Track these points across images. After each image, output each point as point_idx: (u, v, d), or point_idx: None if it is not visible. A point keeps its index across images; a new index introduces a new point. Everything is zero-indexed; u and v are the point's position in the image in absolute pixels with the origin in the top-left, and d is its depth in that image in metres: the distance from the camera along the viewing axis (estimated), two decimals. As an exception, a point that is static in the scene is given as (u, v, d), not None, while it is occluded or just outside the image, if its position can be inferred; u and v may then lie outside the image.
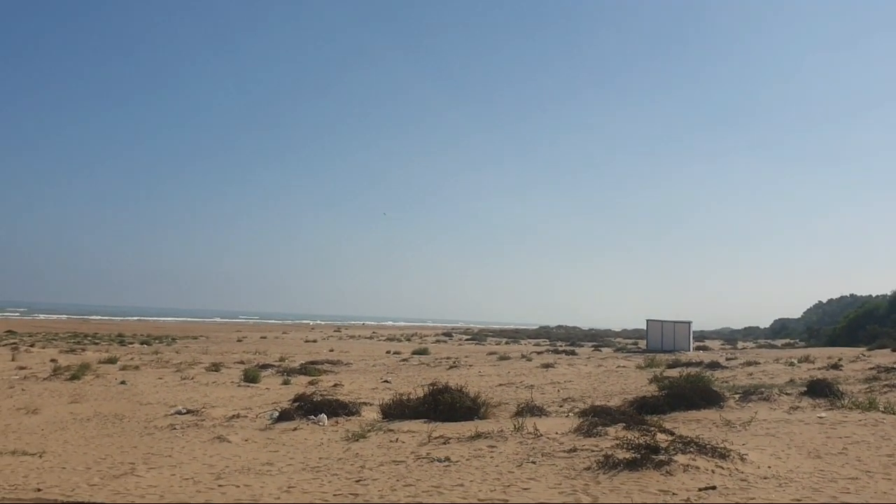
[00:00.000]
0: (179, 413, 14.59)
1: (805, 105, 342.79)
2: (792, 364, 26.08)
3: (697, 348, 50.84)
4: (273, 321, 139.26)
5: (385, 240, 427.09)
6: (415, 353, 43.64)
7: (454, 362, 31.66)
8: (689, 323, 51.06)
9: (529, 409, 12.61)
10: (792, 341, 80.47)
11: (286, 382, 21.69)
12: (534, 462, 8.49)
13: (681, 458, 7.83)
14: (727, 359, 31.82)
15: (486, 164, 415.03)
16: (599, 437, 9.66)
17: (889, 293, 68.03)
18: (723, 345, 68.34)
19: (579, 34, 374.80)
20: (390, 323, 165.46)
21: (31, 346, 40.36)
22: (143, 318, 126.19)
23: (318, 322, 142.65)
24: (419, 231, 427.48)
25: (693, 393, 12.97)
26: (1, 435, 12.36)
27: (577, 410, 13.24)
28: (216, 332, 74.93)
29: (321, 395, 17.13)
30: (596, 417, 10.69)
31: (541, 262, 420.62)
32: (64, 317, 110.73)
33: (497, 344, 66.66)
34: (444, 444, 10.11)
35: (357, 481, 8.21)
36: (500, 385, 20.41)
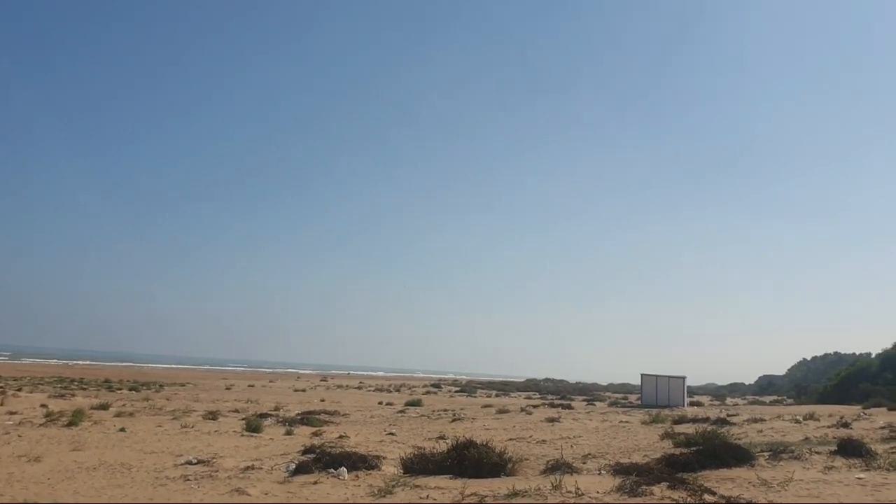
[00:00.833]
0: (190, 463, 14.07)
1: (792, 157, 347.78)
2: (798, 421, 25.75)
3: (690, 404, 50.43)
4: (257, 369, 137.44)
5: (372, 292, 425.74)
6: (408, 404, 42.93)
7: (455, 415, 31.07)
8: (683, 378, 50.73)
9: (559, 467, 12.20)
10: (779, 398, 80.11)
11: (289, 433, 21.12)
12: (583, 523, 8.12)
13: (744, 522, 7.49)
14: (728, 415, 31.45)
15: (471, 212, 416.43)
16: (645, 496, 9.30)
17: (880, 351, 68.09)
18: (711, 400, 67.96)
19: (566, 88, 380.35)
20: (375, 373, 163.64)
21: (19, 390, 39.43)
22: (126, 363, 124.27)
23: (305, 371, 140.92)
24: (407, 282, 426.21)
25: (723, 450, 12.62)
26: (6, 484, 11.81)
27: (607, 468, 12.83)
28: (203, 380, 73.77)
29: (330, 447, 16.70)
30: (637, 476, 10.32)
31: (526, 315, 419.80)
32: (53, 361, 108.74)
33: (488, 396, 66.00)
34: (480, 502, 9.71)
35: (399, 541, 7.81)
36: (511, 440, 19.94)
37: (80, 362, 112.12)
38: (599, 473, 12.12)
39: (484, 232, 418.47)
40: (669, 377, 50.10)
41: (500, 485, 11.17)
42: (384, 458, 13.97)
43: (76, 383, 51.97)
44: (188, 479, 12.33)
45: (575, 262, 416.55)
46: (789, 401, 70.00)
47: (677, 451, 13.96)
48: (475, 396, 64.34)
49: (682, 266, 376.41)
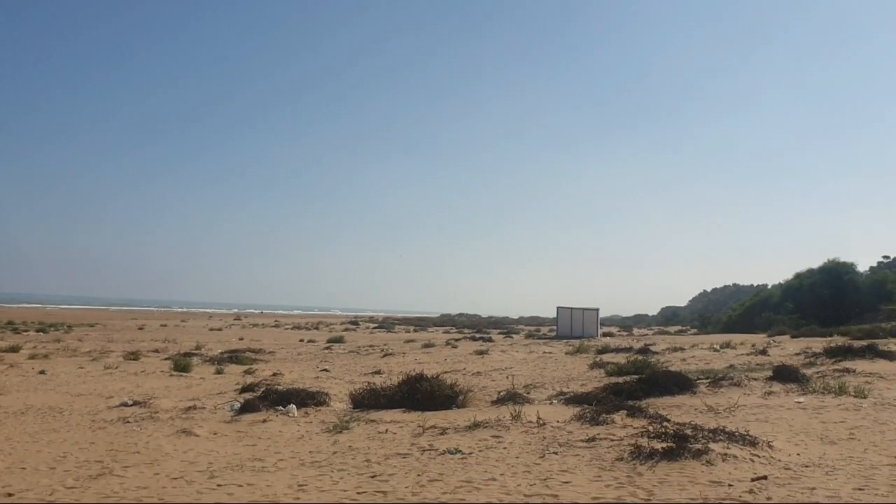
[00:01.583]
0: (125, 405, 13.48)
1: (698, 101, 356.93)
2: (716, 350, 26.83)
3: (603, 335, 51.98)
4: (167, 309, 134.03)
5: (282, 226, 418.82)
6: (330, 341, 42.66)
7: (384, 350, 31.03)
8: (596, 310, 52.16)
9: (510, 397, 12.25)
10: (683, 328, 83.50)
11: (219, 372, 20.60)
12: (556, 453, 8.14)
13: (716, 447, 7.64)
14: (646, 345, 32.50)
15: (391, 151, 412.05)
16: (607, 425, 9.41)
17: (780, 282, 71.62)
18: (619, 331, 70.30)
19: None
20: (290, 312, 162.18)
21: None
22: (29, 304, 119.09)
23: (217, 311, 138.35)
24: (320, 219, 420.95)
25: (666, 379, 12.95)
26: (-73, 432, 11.04)
27: (556, 398, 12.98)
28: (112, 320, 71.38)
29: (267, 384, 16.35)
30: (593, 405, 10.44)
31: (436, 250, 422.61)
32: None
33: (407, 332, 66.31)
34: (442, 434, 9.64)
35: (372, 477, 7.64)
36: (446, 372, 19.94)
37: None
38: (551, 403, 12.26)
39: (396, 167, 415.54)
40: (584, 309, 51.40)
41: (456, 416, 11.14)
42: (330, 394, 13.71)
43: (-25, 326, 49.41)
44: (128, 422, 11.80)
45: (482, 196, 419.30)
46: (693, 331, 73.03)
47: (620, 379, 14.24)
48: (395, 332, 64.52)
49: (585, 200, 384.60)
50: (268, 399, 12.40)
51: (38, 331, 46.42)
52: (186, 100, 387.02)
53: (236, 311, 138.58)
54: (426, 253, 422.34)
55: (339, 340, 43.01)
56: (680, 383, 12.91)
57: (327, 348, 34.68)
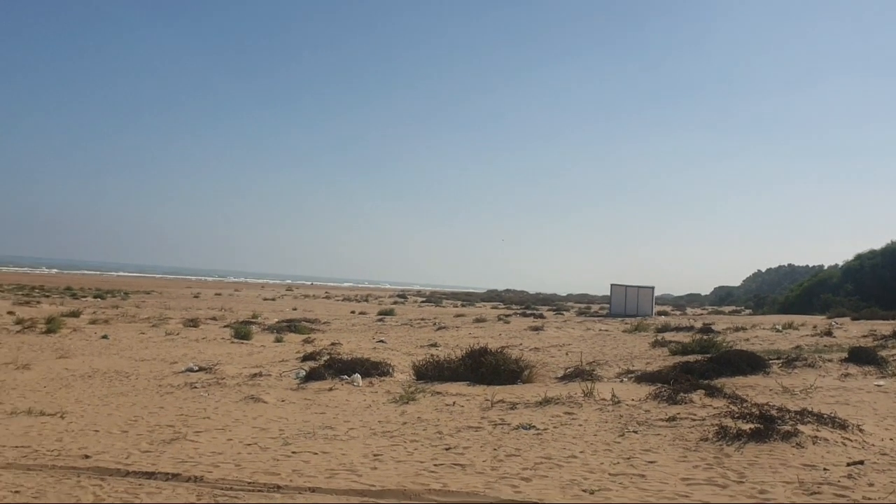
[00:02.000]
0: (191, 370, 13.59)
1: (750, 78, 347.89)
2: (778, 330, 26.11)
3: (658, 314, 51.18)
4: (222, 279, 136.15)
5: (333, 201, 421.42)
6: (381, 313, 42.74)
7: (437, 324, 30.95)
8: (651, 288, 51.36)
9: (578, 373, 12.00)
10: (738, 308, 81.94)
11: (279, 340, 20.72)
12: (635, 432, 7.88)
13: (805, 430, 7.30)
14: (705, 324, 31.83)
15: (440, 130, 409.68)
16: (685, 404, 9.10)
17: (838, 263, 69.67)
18: (672, 310, 69.19)
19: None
20: (340, 284, 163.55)
21: (-20, 296, 38.30)
22: (86, 271, 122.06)
23: (270, 281, 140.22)
24: (369, 193, 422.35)
25: (738, 358, 12.55)
26: (3, 391, 11.24)
27: (625, 375, 12.69)
28: (166, 288, 72.73)
29: (328, 353, 16.35)
30: (663, 384, 10.14)
31: (484, 226, 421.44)
32: (12, 268, 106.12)
33: (454, 306, 66.26)
34: (512, 409, 9.44)
35: (447, 449, 7.49)
36: (503, 347, 19.77)
37: (38, 270, 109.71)
38: (621, 381, 11.97)
39: (450, 147, 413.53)
40: (639, 287, 50.63)
41: (523, 391, 10.94)
42: (392, 364, 13.61)
43: (37, 290, 50.67)
44: (195, 387, 11.87)
45: (541, 178, 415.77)
46: (747, 311, 71.52)
47: (690, 358, 13.86)
48: (443, 306, 64.51)
49: (637, 179, 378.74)
50: (332, 368, 12.35)
51: (95, 297, 47.47)
52: (255, 82, 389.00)
53: (288, 281, 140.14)
54: (474, 228, 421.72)
55: (390, 313, 43.09)
56: (752, 363, 12.51)
57: (380, 320, 34.76)
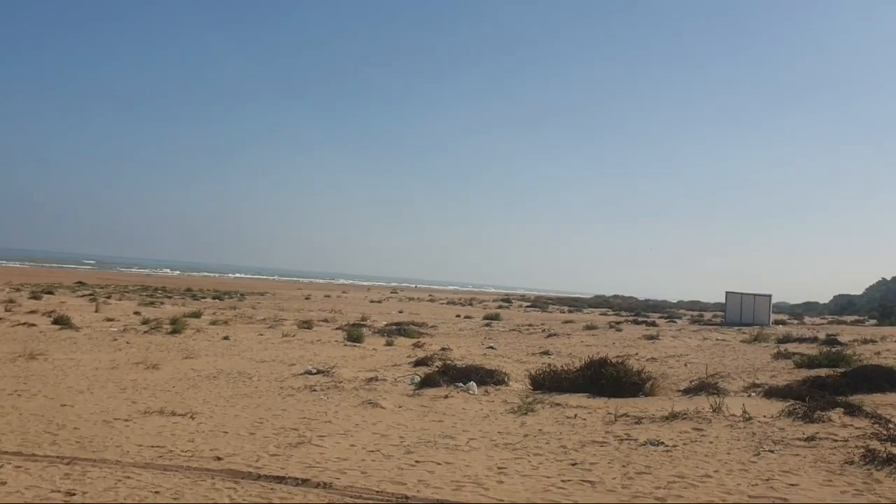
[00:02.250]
0: (309, 373, 13.87)
1: (876, 76, 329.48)
2: (913, 344, 24.48)
3: (775, 322, 49.02)
4: (330, 281, 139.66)
5: (434, 206, 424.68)
6: (486, 318, 42.70)
7: (546, 330, 30.63)
8: (769, 296, 49.18)
9: (703, 387, 11.54)
10: (860, 318, 77.51)
11: (389, 343, 20.94)
12: (772, 451, 7.46)
13: (969, 457, 6.72)
14: (828, 335, 30.22)
15: (546, 135, 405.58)
16: (823, 423, 8.58)
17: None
18: (789, 319, 66.09)
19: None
20: (443, 287, 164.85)
21: (108, 297, 40.50)
22: (201, 273, 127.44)
23: (375, 283, 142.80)
24: (469, 199, 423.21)
25: (875, 374, 11.76)
26: (134, 391, 11.74)
27: (753, 390, 12.13)
28: (278, 290, 75.09)
29: (440, 359, 16.39)
30: (795, 400, 9.59)
31: (586, 231, 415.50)
32: (134, 270, 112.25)
33: (561, 312, 65.50)
34: (637, 423, 9.14)
35: (573, 464, 7.29)
36: (622, 358, 19.32)
37: (160, 272, 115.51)
38: (749, 395, 11.44)
39: (554, 152, 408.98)
40: (755, 295, 48.62)
41: (646, 405, 10.60)
42: (507, 373, 13.48)
43: (160, 291, 53.23)
44: (314, 390, 12.09)
45: (650, 181, 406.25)
46: (871, 322, 67.59)
47: (821, 372, 13.11)
48: (549, 312, 63.87)
49: (752, 182, 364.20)
50: (447, 375, 12.33)
51: (214, 298, 49.48)
52: (358, 83, 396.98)
53: (394, 284, 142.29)
54: (580, 234, 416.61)
55: (496, 318, 42.97)
56: (891, 380, 11.69)
57: (487, 325, 34.67)
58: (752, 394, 11.42)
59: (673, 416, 9.18)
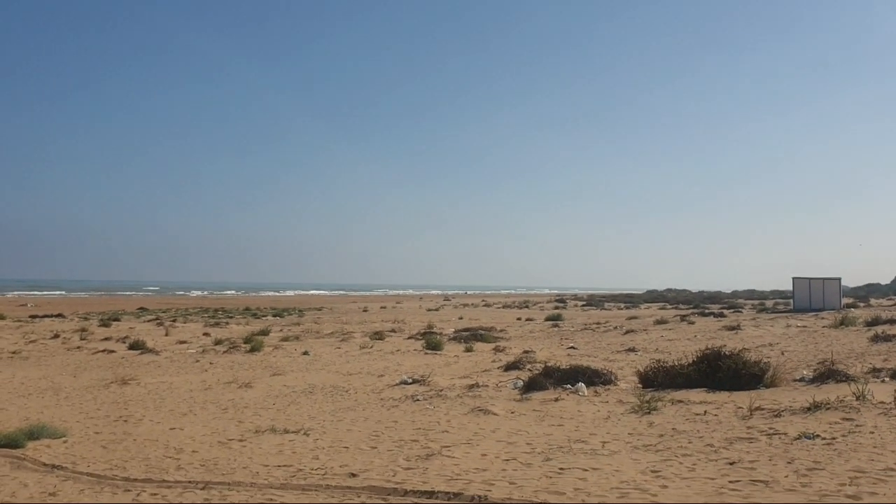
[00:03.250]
0: (405, 383, 13.57)
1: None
2: None
3: (846, 306, 47.52)
4: (365, 292, 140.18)
5: (476, 212, 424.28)
6: (548, 319, 42.14)
7: (619, 327, 29.99)
8: (838, 280, 47.70)
9: (830, 374, 10.93)
10: (927, 298, 75.03)
11: (469, 349, 20.58)
12: (948, 439, 6.90)
13: None
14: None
15: (591, 133, 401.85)
16: None
17: None
18: (855, 301, 64.15)
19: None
20: (493, 292, 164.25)
21: (174, 321, 40.87)
22: (262, 292, 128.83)
23: (422, 292, 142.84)
24: (511, 199, 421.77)
25: None
26: (238, 410, 11.56)
27: (883, 375, 11.48)
28: (334, 304, 75.33)
29: (529, 361, 16.01)
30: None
31: (635, 225, 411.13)
32: (195, 293, 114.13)
33: (619, 308, 64.53)
34: (776, 417, 8.63)
35: (731, 464, 6.83)
36: (704, 350, 18.70)
37: (229, 293, 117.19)
38: (882, 381, 10.80)
39: (599, 150, 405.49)
40: (824, 279, 47.21)
41: (773, 396, 10.06)
42: (614, 371, 12.99)
43: (220, 312, 53.68)
44: (417, 400, 11.77)
45: (693, 170, 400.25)
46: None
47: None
48: (607, 309, 62.93)
49: (797, 163, 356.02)
50: (551, 377, 11.90)
51: (274, 315, 49.69)
52: (394, 95, 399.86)
53: (444, 292, 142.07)
54: (625, 229, 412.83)
55: (558, 318, 42.36)
56: None
57: (554, 325, 34.11)
58: (886, 379, 10.78)
59: (815, 407, 8.64)
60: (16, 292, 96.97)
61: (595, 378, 11.86)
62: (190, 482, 7.19)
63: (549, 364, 14.36)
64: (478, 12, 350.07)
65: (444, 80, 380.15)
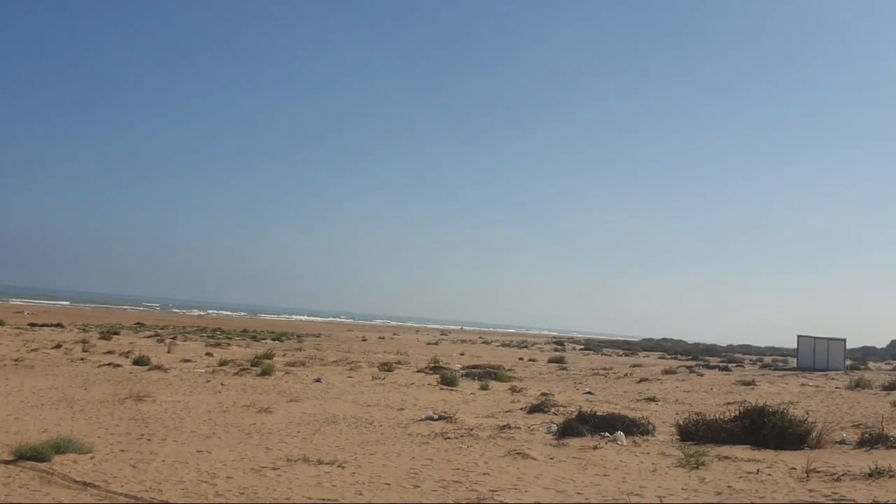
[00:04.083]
0: (431, 419, 13.21)
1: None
2: None
3: (851, 368, 47.20)
4: (357, 320, 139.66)
5: (475, 244, 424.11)
6: (551, 361, 41.75)
7: (632, 375, 29.61)
8: (843, 341, 47.50)
9: (879, 438, 10.60)
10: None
11: (484, 388, 20.17)
12: None
13: None
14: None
15: (593, 177, 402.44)
16: None
17: None
18: (856, 363, 63.84)
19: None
20: (487, 329, 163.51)
21: (174, 338, 40.36)
22: (263, 315, 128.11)
23: (416, 324, 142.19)
24: (507, 238, 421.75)
25: None
26: (262, 436, 11.19)
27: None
28: (330, 331, 74.78)
29: (553, 405, 15.68)
30: None
31: (626, 273, 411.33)
32: (195, 311, 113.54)
33: (618, 355, 64.11)
34: (836, 481, 8.29)
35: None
36: (728, 404, 18.35)
37: (225, 312, 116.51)
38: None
39: (595, 196, 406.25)
40: (829, 339, 47.01)
41: (823, 458, 9.71)
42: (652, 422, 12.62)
43: (219, 332, 53.13)
44: (447, 438, 11.41)
45: (686, 220, 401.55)
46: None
47: None
48: (607, 355, 62.55)
49: (793, 223, 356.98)
50: (587, 423, 11.54)
51: (273, 339, 49.16)
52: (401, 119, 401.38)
53: (436, 326, 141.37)
54: (621, 276, 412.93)
55: (562, 361, 41.96)
56: None
57: (562, 368, 33.71)
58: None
59: (878, 474, 8.30)
60: (15, 299, 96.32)
61: (633, 427, 11.51)
62: (234, 512, 6.83)
63: (581, 409, 14.02)
64: (465, 45, 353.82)
65: (442, 116, 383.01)
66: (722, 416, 11.64)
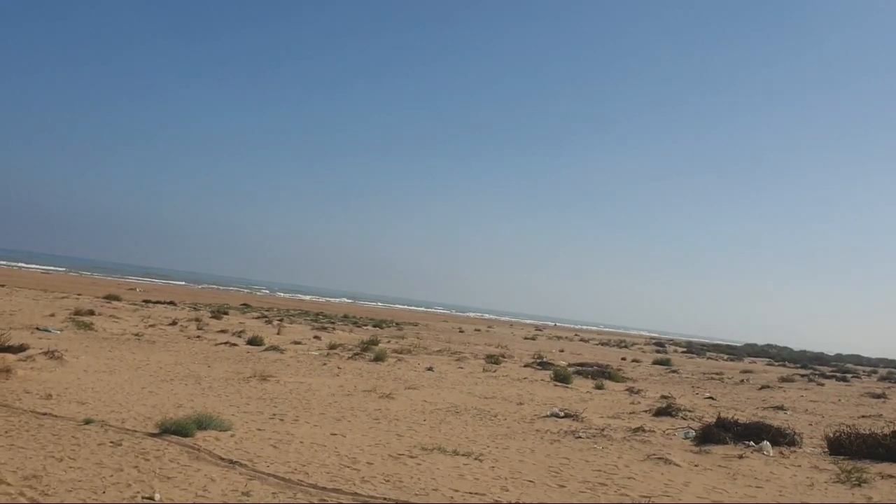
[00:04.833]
0: (556, 416, 12.84)
1: None
2: None
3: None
4: (456, 313, 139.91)
5: (567, 244, 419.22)
6: (656, 363, 40.60)
7: (746, 381, 28.39)
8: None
9: None
10: None
11: (599, 387, 19.63)
12: None
13: None
14: None
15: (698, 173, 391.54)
16: None
17: None
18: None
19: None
20: (579, 326, 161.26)
21: (281, 320, 41.24)
22: (342, 299, 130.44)
23: (508, 318, 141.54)
24: (603, 238, 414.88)
25: None
26: (388, 422, 11.08)
27: None
28: (426, 320, 75.13)
29: (677, 408, 15.03)
30: None
31: (734, 279, 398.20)
32: (300, 295, 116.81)
33: (723, 360, 61.92)
34: None
35: None
36: (862, 417, 17.23)
37: (309, 298, 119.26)
38: None
39: (694, 195, 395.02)
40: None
41: None
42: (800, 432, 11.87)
43: (322, 317, 54.09)
44: (578, 437, 11.02)
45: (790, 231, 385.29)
46: None
47: None
48: (712, 359, 60.47)
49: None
50: (729, 430, 10.92)
51: (374, 326, 49.65)
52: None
53: (531, 321, 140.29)
54: (729, 282, 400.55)
55: (667, 363, 40.78)
56: None
57: (672, 371, 32.64)
58: None
59: None
60: (130, 276, 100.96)
61: (779, 437, 10.82)
62: (386, 499, 6.66)
63: (720, 415, 13.41)
64: (585, 61, 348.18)
65: (565, 122, 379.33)
66: (878, 432, 10.78)
